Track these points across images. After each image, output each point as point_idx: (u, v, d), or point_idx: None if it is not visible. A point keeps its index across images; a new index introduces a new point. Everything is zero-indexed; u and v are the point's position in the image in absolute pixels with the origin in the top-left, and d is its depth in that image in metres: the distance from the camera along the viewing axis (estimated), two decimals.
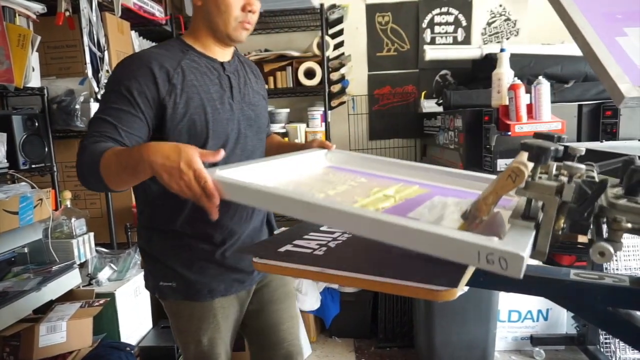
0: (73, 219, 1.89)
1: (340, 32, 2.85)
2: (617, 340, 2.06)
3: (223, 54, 1.18)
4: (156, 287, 1.18)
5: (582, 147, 0.75)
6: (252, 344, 1.37)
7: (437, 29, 2.94)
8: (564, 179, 0.64)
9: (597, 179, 0.65)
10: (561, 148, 0.67)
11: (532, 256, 0.63)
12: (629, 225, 0.59)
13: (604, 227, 0.64)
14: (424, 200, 0.88)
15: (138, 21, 2.35)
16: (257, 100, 1.24)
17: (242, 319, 1.29)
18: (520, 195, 0.65)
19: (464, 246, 0.58)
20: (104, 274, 1.94)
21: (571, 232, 0.64)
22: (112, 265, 1.98)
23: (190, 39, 1.15)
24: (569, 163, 0.63)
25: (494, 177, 1.01)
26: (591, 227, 0.64)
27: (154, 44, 2.63)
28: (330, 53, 2.75)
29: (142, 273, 2.04)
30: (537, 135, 0.82)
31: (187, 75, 1.08)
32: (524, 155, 0.64)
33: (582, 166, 0.63)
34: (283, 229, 1.14)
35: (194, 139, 1.07)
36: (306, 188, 0.93)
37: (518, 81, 1.83)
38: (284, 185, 0.93)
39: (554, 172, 0.69)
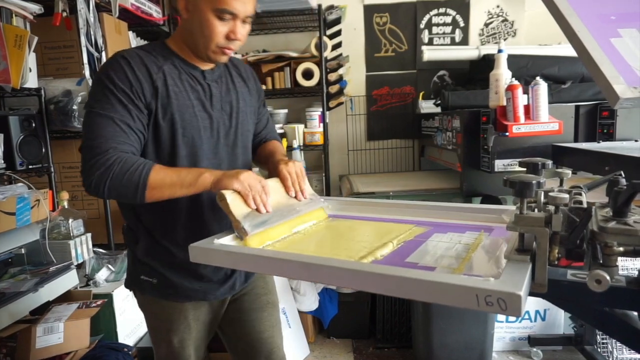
0: (70, 220, 1.88)
1: (338, 33, 2.86)
2: (614, 340, 2.06)
3: (205, 63, 1.16)
4: (136, 281, 1.19)
5: (582, 146, 0.76)
6: (232, 351, 1.36)
7: (434, 29, 2.95)
8: (552, 208, 0.64)
9: (585, 204, 0.66)
10: (544, 180, 0.68)
11: (533, 289, 0.63)
12: (621, 248, 0.59)
13: (599, 248, 0.64)
14: (422, 241, 0.89)
15: (135, 22, 2.35)
16: (242, 106, 1.21)
17: (218, 324, 1.30)
18: (511, 230, 0.66)
19: (462, 291, 0.58)
20: (102, 275, 1.93)
21: (567, 259, 0.64)
22: (109, 266, 1.97)
23: (173, 44, 1.13)
24: (553, 194, 0.64)
25: (489, 207, 1.03)
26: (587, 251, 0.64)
27: None
28: (328, 54, 2.75)
29: None
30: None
31: (168, 79, 1.07)
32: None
33: (566, 196, 0.63)
34: None
35: (167, 143, 1.08)
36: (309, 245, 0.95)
37: (515, 82, 1.83)
38: (286, 248, 0.94)
39: (542, 200, 0.70)
